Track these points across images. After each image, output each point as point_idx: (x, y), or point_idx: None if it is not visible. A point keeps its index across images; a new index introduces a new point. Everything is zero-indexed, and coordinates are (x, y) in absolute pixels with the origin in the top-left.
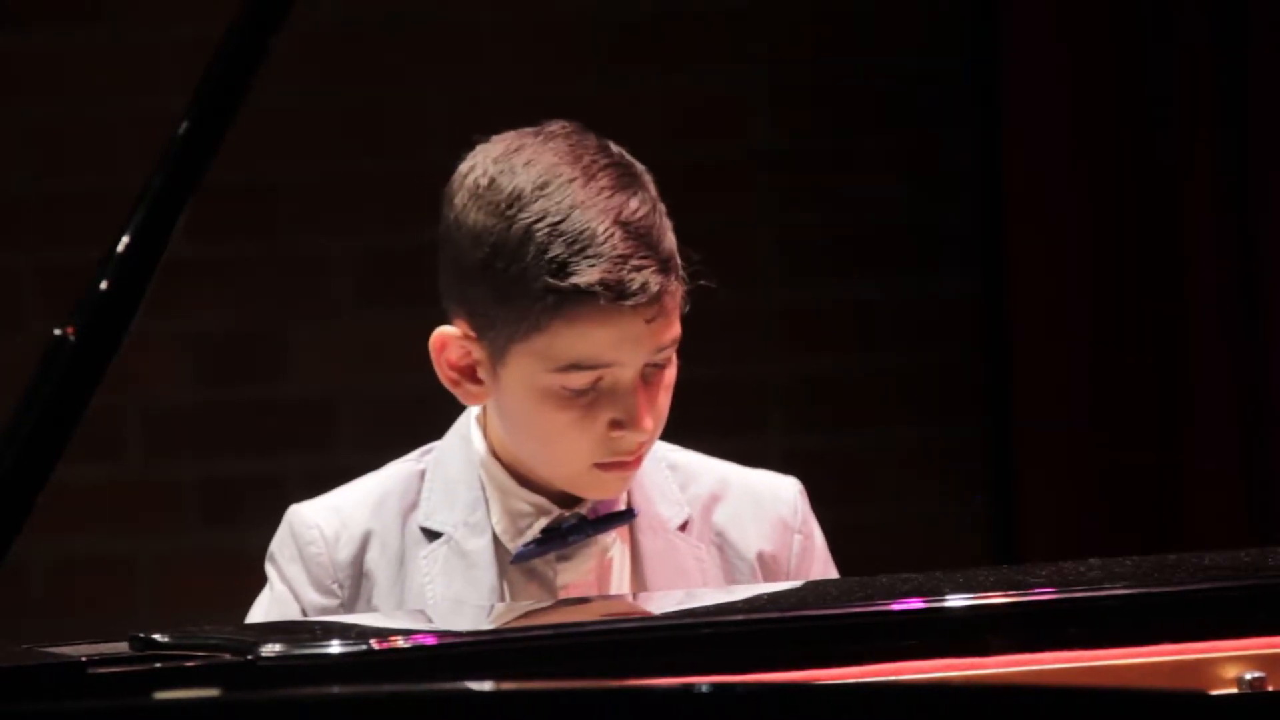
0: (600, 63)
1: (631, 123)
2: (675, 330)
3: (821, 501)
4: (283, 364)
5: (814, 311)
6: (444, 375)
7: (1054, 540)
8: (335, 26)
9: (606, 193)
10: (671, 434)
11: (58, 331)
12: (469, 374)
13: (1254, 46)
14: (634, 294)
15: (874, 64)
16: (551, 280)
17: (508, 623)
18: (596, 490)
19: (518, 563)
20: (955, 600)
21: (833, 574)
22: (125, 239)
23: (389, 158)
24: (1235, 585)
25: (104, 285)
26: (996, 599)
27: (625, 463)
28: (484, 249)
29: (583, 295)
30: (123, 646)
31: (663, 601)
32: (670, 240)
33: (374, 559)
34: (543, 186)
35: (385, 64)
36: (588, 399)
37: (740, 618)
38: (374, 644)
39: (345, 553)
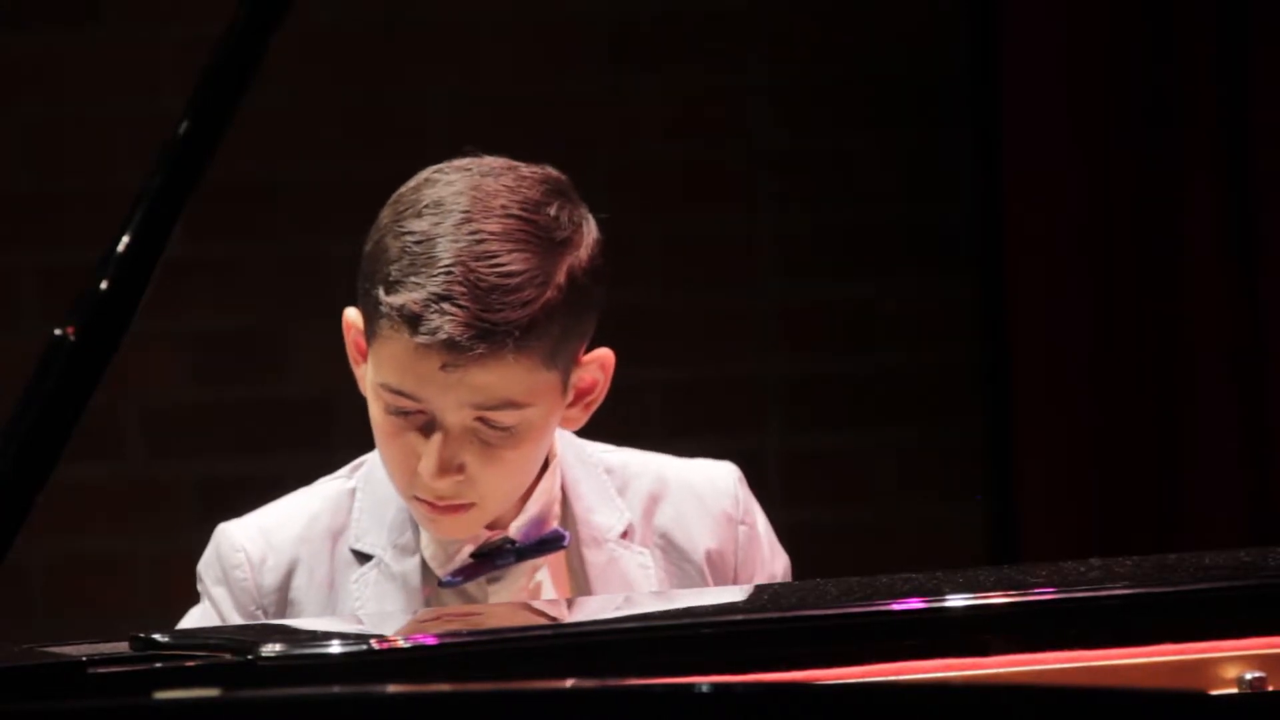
0: (600, 63)
1: (631, 123)
2: (496, 392)
3: (821, 501)
4: (282, 364)
5: (813, 311)
6: (350, 354)
7: (1054, 540)
8: (335, 26)
9: (482, 237)
10: (671, 434)
11: (58, 331)
12: (365, 358)
13: (1254, 46)
14: (423, 331)
15: (874, 64)
16: (377, 291)
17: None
18: (424, 523)
19: (446, 587)
20: (955, 600)
21: (778, 553)
22: (125, 239)
23: (389, 158)
24: (1235, 585)
25: (103, 285)
26: (996, 599)
27: (434, 505)
28: (370, 243)
29: (384, 314)
30: (123, 646)
31: (600, 606)
32: (525, 313)
33: (300, 586)
34: (435, 206)
35: (385, 64)
36: (410, 425)
37: (740, 618)
38: (374, 644)
39: (270, 578)
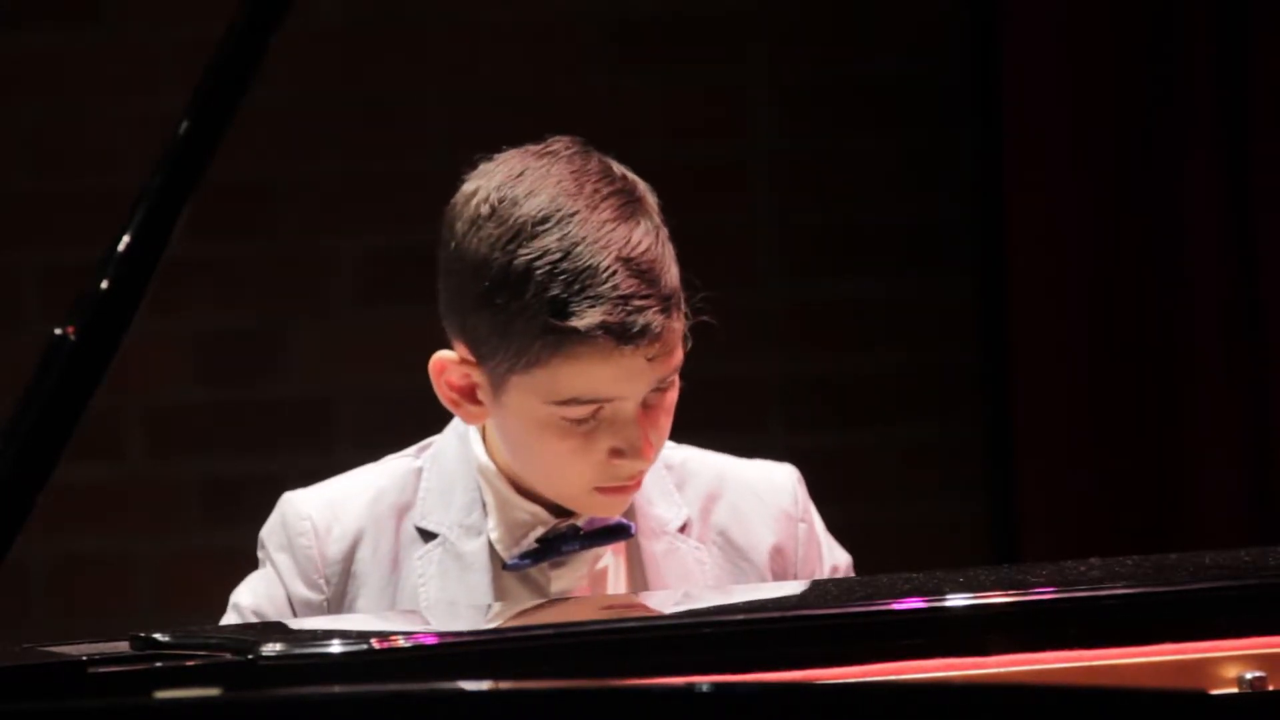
0: (600, 63)
1: (631, 123)
2: (677, 359)
3: (822, 501)
4: (283, 364)
5: (814, 311)
6: (444, 396)
7: (1054, 540)
8: (334, 26)
9: (609, 226)
10: (672, 433)
11: (58, 331)
12: (469, 395)
13: (1254, 47)
14: (636, 336)
15: (874, 64)
16: (552, 320)
17: (505, 622)
18: (597, 510)
19: (511, 570)
20: (955, 600)
21: (837, 550)
22: (125, 239)
23: (389, 158)
24: (1235, 585)
25: (104, 285)
26: (996, 599)
27: (626, 487)
28: (484, 282)
29: (583, 336)
30: (123, 646)
31: (659, 600)
32: (673, 274)
33: (364, 559)
34: (543, 221)
35: (385, 64)
36: (587, 428)
37: (740, 618)
38: (374, 644)
39: (335, 549)
